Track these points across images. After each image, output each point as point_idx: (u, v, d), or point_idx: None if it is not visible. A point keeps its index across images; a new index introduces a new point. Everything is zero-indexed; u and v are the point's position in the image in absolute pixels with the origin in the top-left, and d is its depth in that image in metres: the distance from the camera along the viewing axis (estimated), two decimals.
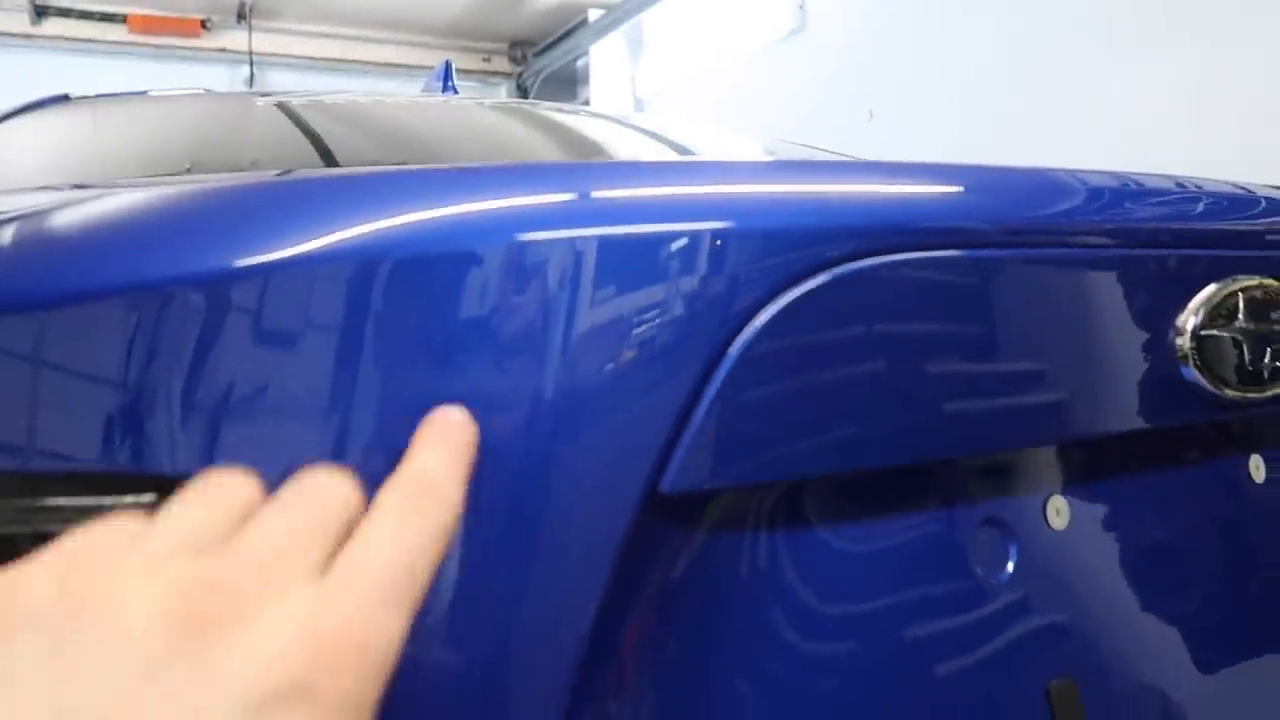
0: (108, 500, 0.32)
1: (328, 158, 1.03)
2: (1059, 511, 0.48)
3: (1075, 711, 0.47)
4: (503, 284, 0.33)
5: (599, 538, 0.33)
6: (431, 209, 0.35)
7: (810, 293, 0.37)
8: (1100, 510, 0.50)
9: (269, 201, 0.39)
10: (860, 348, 0.39)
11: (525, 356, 0.32)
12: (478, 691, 0.33)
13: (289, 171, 0.78)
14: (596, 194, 0.38)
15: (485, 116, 1.38)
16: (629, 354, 0.33)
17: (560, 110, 1.54)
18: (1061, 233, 0.45)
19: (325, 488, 0.26)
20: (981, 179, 0.44)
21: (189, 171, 0.84)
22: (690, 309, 0.34)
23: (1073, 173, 0.47)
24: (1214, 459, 0.56)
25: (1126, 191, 0.47)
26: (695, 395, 0.33)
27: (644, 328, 0.33)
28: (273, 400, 0.32)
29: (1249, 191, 0.51)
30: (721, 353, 0.34)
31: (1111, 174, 0.47)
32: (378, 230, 0.34)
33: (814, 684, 0.42)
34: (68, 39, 4.53)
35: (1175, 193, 0.48)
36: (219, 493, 0.25)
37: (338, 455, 0.31)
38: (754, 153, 1.35)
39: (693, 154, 1.26)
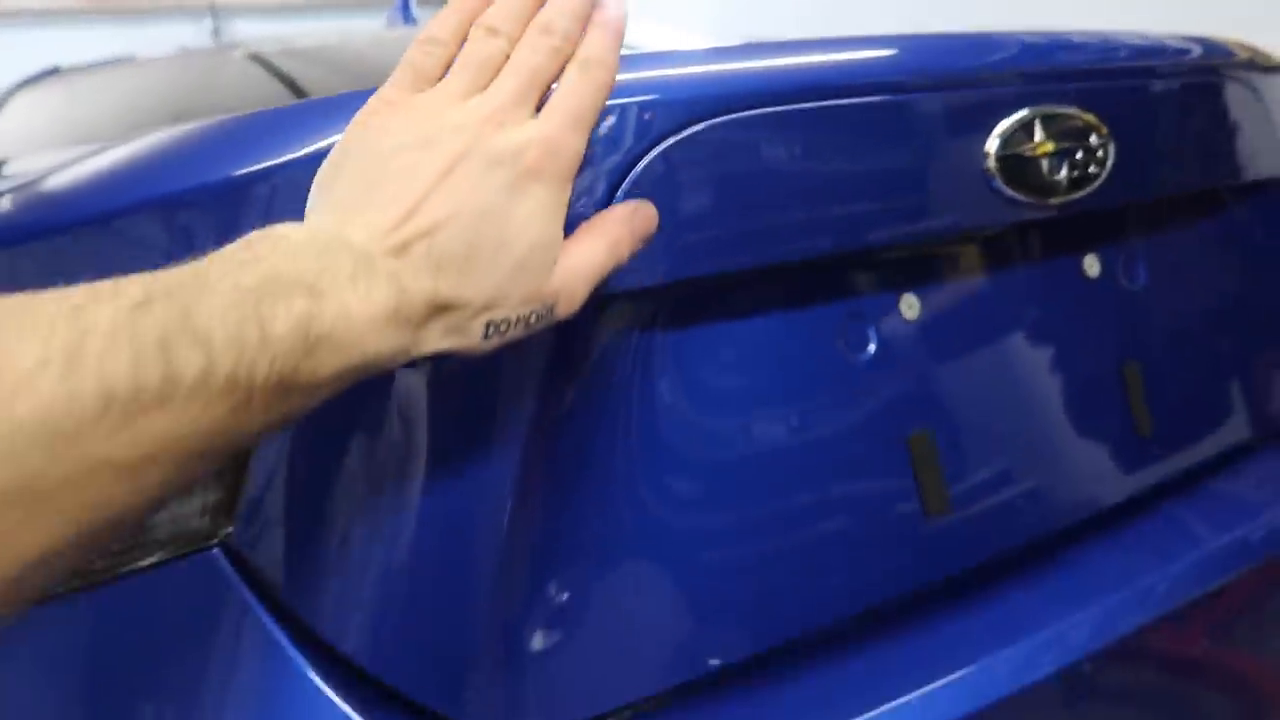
0: None
1: (303, 97, 1.14)
2: (910, 305, 0.63)
3: (932, 455, 0.62)
4: None
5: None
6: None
7: (685, 139, 0.50)
8: (947, 303, 0.64)
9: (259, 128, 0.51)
10: (736, 180, 0.52)
11: None
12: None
13: None
14: None
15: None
16: None
17: None
18: (893, 83, 0.57)
19: (539, 46, 0.43)
20: (823, 48, 0.57)
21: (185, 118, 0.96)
22: (595, 155, 0.47)
23: (898, 37, 0.59)
24: (1050, 259, 0.69)
25: (939, 46, 0.59)
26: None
27: None
28: None
29: (1050, 36, 0.64)
30: (619, 183, 0.47)
31: (926, 36, 0.60)
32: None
33: (711, 451, 0.57)
34: (28, 12, 4.53)
35: (984, 43, 0.61)
36: (483, 59, 0.43)
37: None
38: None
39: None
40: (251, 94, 1.20)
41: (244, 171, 0.46)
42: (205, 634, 0.45)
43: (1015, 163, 0.60)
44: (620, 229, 0.45)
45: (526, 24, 0.44)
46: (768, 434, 0.58)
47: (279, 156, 0.46)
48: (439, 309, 0.39)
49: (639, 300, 0.53)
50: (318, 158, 0.43)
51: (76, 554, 0.30)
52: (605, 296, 0.49)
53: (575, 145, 0.42)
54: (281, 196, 0.45)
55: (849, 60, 0.58)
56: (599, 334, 0.52)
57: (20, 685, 0.46)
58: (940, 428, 0.63)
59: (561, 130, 0.42)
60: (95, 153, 0.54)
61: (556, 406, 0.51)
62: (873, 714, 0.56)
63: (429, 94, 0.43)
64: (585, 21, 0.44)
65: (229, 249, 0.36)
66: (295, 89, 1.19)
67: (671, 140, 0.49)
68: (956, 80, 0.58)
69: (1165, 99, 0.70)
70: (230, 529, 0.45)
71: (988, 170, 0.59)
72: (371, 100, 0.43)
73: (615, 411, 0.54)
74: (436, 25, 0.44)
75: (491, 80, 0.43)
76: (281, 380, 0.33)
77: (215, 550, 0.45)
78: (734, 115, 0.51)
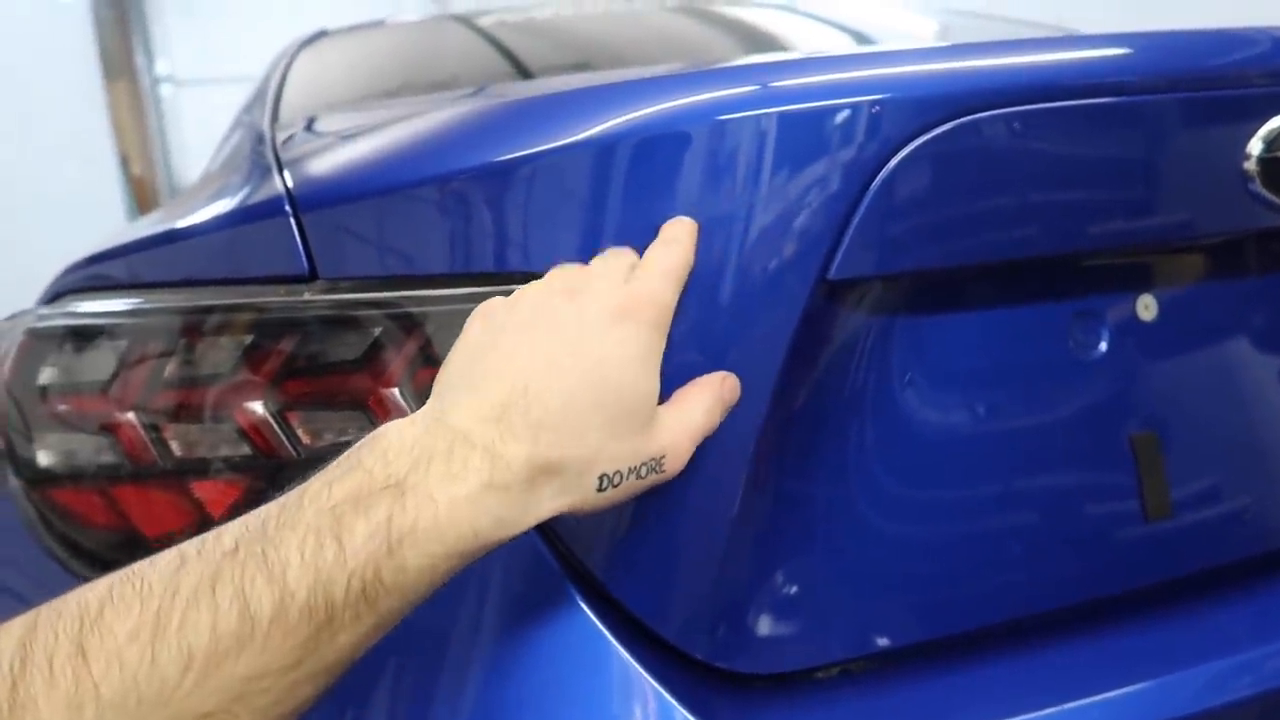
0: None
1: (524, 71, 1.23)
2: (1147, 306, 0.62)
3: (1156, 456, 0.62)
4: (721, 147, 0.51)
5: (787, 308, 0.52)
6: (661, 102, 0.53)
7: (937, 137, 0.52)
8: (1185, 306, 0.63)
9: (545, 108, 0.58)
10: (983, 175, 0.54)
11: (739, 184, 0.50)
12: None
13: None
14: (774, 83, 0.55)
15: (657, 20, 1.54)
16: (809, 180, 0.50)
17: (731, 5, 1.66)
18: (1153, 82, 0.57)
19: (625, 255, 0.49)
20: (1072, 45, 0.58)
21: (448, 86, 1.06)
22: (846, 154, 0.51)
23: (1154, 33, 0.59)
24: None
25: (1200, 44, 0.58)
26: (854, 209, 0.50)
27: (817, 164, 0.50)
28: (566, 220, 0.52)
29: None
30: (871, 179, 0.50)
31: (1186, 31, 0.58)
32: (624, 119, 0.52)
33: (945, 436, 0.59)
34: None
35: (1241, 39, 0.59)
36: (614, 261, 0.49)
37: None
38: (920, 31, 1.44)
39: (863, 37, 1.36)
40: (484, 65, 1.30)
41: (514, 155, 0.52)
42: (505, 584, 0.52)
43: (1276, 166, 0.58)
44: (712, 395, 0.48)
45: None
46: (994, 425, 0.60)
47: (543, 144, 0.52)
48: (543, 470, 0.40)
49: (880, 289, 0.56)
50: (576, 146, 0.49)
51: None
52: (846, 283, 0.53)
53: (668, 296, 0.46)
54: (542, 177, 0.51)
55: (1102, 57, 0.58)
56: (840, 321, 0.56)
57: None
58: (1166, 430, 0.62)
59: (654, 281, 0.46)
60: (391, 123, 0.63)
61: (793, 389, 0.55)
62: (1059, 710, 0.57)
63: (526, 290, 0.47)
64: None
65: (340, 460, 0.40)
66: (517, 63, 1.28)
67: (925, 137, 0.52)
68: (1219, 80, 0.57)
69: None
70: None
71: (1247, 172, 0.58)
72: (476, 312, 0.47)
73: (847, 397, 0.57)
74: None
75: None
76: (365, 588, 0.35)
77: None
78: (988, 113, 0.53)
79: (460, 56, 1.35)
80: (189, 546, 0.36)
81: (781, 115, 0.50)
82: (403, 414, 0.52)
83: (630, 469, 0.43)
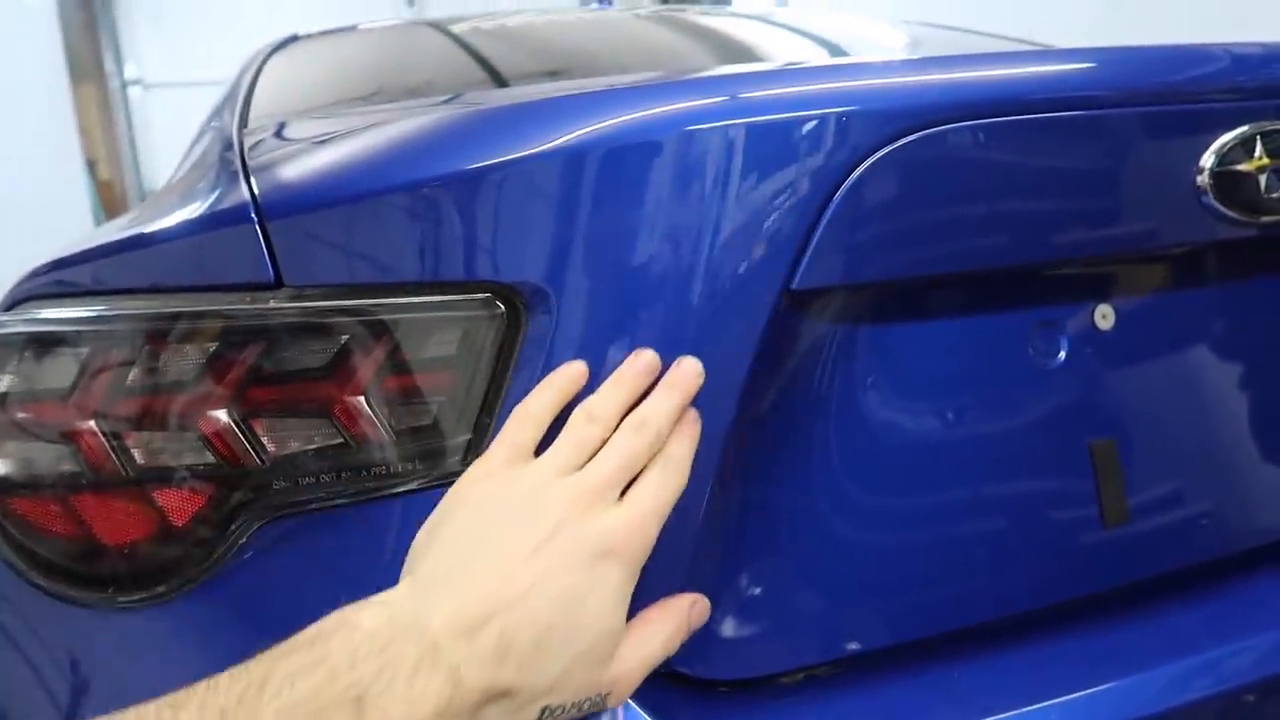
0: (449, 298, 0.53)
1: (498, 77, 1.23)
2: (1105, 316, 0.64)
3: (1113, 463, 0.63)
4: (689, 157, 0.51)
5: (751, 317, 0.52)
6: (630, 112, 0.54)
7: (897, 149, 0.53)
8: (1142, 316, 0.65)
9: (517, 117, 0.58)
10: (943, 188, 0.55)
11: (705, 194, 0.51)
12: None
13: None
14: (741, 94, 0.55)
15: (631, 28, 1.54)
16: (773, 191, 0.51)
17: (707, 14, 1.68)
18: (1110, 97, 0.58)
19: (634, 441, 0.48)
20: (1032, 60, 0.59)
21: (421, 92, 1.06)
22: (810, 165, 0.51)
23: (1113, 49, 0.60)
24: (1250, 277, 0.68)
25: (1157, 60, 0.60)
26: (818, 219, 0.51)
27: (781, 175, 0.51)
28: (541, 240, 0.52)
29: (1267, 48, 0.62)
30: (834, 191, 0.51)
31: (1144, 47, 0.60)
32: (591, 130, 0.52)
33: (909, 443, 0.60)
34: None
35: (1198, 56, 0.61)
36: (582, 442, 0.48)
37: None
38: (890, 43, 1.45)
39: (834, 48, 1.38)
40: (458, 71, 1.30)
41: (484, 164, 0.52)
42: None
43: (1229, 179, 0.60)
44: (678, 621, 0.48)
45: (622, 415, 0.48)
46: (956, 432, 0.61)
47: (512, 153, 0.52)
48: (495, 696, 0.41)
49: (842, 298, 0.57)
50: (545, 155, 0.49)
51: None
52: (809, 292, 0.54)
53: (651, 535, 0.46)
54: (512, 186, 0.51)
55: (1062, 72, 0.59)
56: (802, 329, 0.56)
57: (289, 580, 0.55)
58: (1124, 437, 0.64)
59: (643, 518, 0.46)
60: (360, 130, 0.63)
61: (758, 397, 0.56)
62: (1022, 712, 0.58)
63: (527, 469, 0.47)
64: (675, 421, 0.49)
65: (310, 634, 0.40)
66: (491, 70, 1.28)
67: (886, 150, 0.52)
68: (1175, 95, 0.58)
69: None
70: None
71: (1199, 186, 0.59)
72: (472, 469, 0.48)
73: (811, 404, 0.58)
74: (534, 402, 0.49)
75: (584, 463, 0.47)
76: None
77: None
78: (947, 127, 0.54)
79: (433, 63, 1.35)
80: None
81: (748, 126, 0.51)
82: (368, 422, 0.52)
83: (575, 703, 0.44)
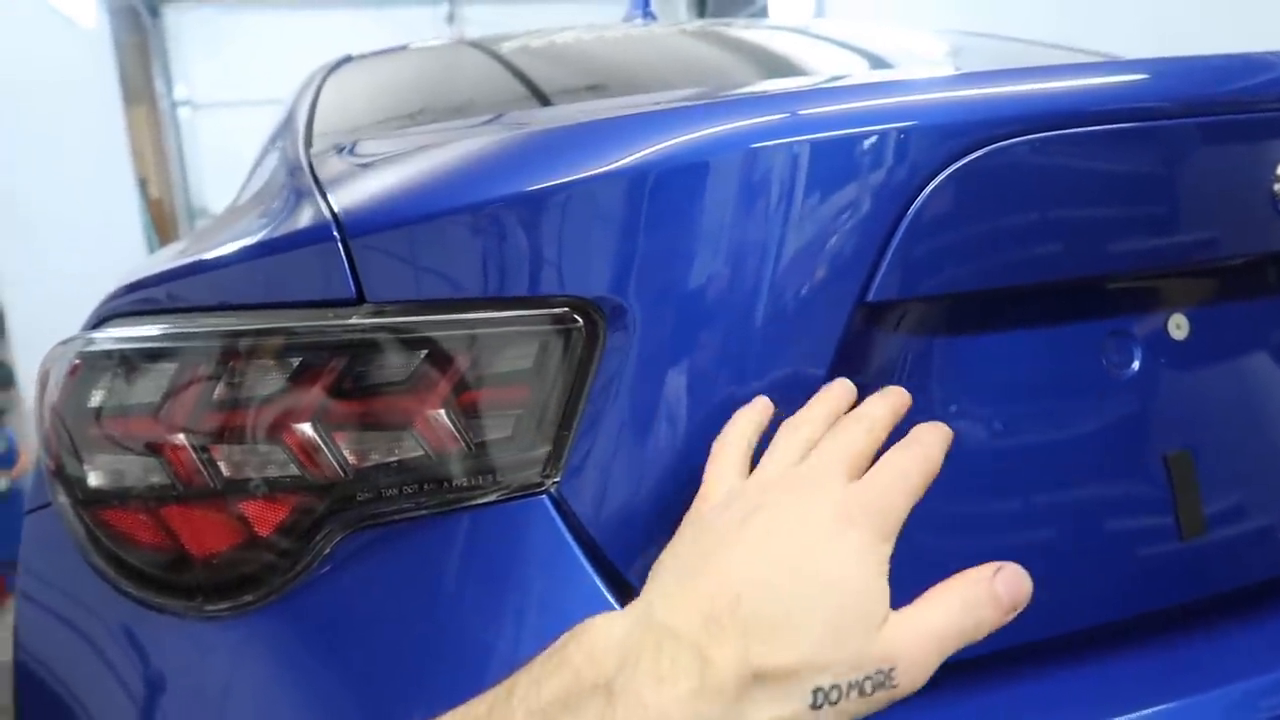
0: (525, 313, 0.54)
1: (546, 96, 1.24)
2: (1179, 326, 0.63)
3: (1190, 475, 0.63)
4: (764, 173, 0.52)
5: (828, 330, 0.52)
6: (704, 129, 0.54)
7: (972, 162, 0.53)
8: (1217, 326, 0.64)
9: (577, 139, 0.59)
10: (1017, 199, 0.55)
11: (777, 210, 0.51)
12: None
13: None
14: (819, 110, 0.56)
15: (675, 43, 1.55)
16: (849, 205, 0.51)
17: (750, 28, 1.68)
18: (1182, 108, 0.58)
19: (852, 429, 0.46)
20: (1100, 70, 0.59)
21: (478, 110, 1.07)
22: (884, 178, 0.52)
23: (1183, 58, 0.60)
24: None
25: (1228, 69, 0.59)
26: (892, 233, 0.51)
27: (856, 189, 0.51)
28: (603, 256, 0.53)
29: None
30: (909, 204, 0.51)
31: (1215, 56, 0.59)
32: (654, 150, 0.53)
33: (982, 454, 0.60)
34: None
35: (1268, 63, 0.60)
36: (796, 444, 0.47)
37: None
38: (935, 51, 1.45)
39: (877, 59, 1.38)
40: (510, 89, 1.32)
41: (562, 180, 0.53)
42: (527, 563, 0.53)
43: None
44: (973, 590, 0.42)
45: (825, 429, 0.47)
46: (1028, 443, 0.60)
47: (590, 169, 0.53)
48: (754, 678, 0.37)
49: (917, 312, 0.57)
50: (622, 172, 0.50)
51: None
52: (884, 305, 0.54)
53: (896, 504, 0.42)
54: (588, 202, 0.52)
55: (1133, 83, 0.59)
56: (878, 343, 0.56)
57: (371, 590, 0.56)
58: (1200, 449, 0.63)
59: (881, 488, 0.42)
60: (432, 147, 0.64)
61: None
62: None
63: (754, 476, 0.45)
64: (897, 417, 0.47)
65: (549, 651, 0.39)
66: (540, 88, 1.30)
67: (961, 162, 0.53)
68: (1247, 104, 0.58)
69: None
70: (558, 480, 0.53)
71: (1276, 193, 0.59)
72: (711, 495, 0.46)
73: None
74: (732, 432, 0.49)
75: (805, 457, 0.45)
76: None
77: (543, 497, 0.53)
78: (1019, 139, 0.54)
79: (486, 81, 1.37)
80: None
81: (825, 141, 0.52)
82: (448, 435, 0.53)
83: (850, 683, 0.38)
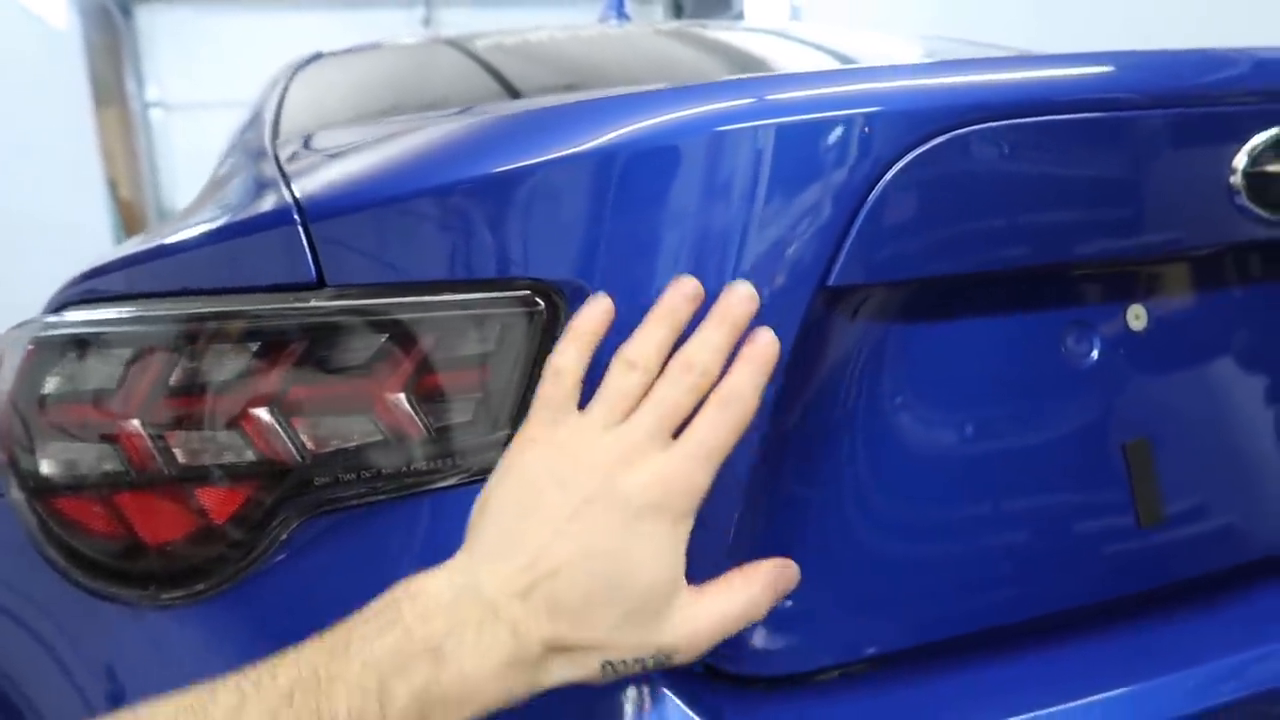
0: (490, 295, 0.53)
1: (518, 93, 1.24)
2: (1138, 316, 0.64)
3: (1148, 464, 0.63)
4: (725, 157, 0.52)
5: (789, 314, 0.53)
6: (665, 114, 0.54)
7: (933, 148, 0.53)
8: (1175, 316, 0.65)
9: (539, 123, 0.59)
10: (978, 187, 0.55)
11: (741, 194, 0.51)
12: None
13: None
14: (773, 96, 0.56)
15: (649, 43, 1.56)
16: (809, 189, 0.51)
17: (726, 30, 1.69)
18: (1142, 100, 0.59)
19: (679, 385, 0.47)
20: (1062, 62, 0.59)
21: (444, 106, 1.07)
22: (845, 164, 0.52)
23: (1143, 52, 0.60)
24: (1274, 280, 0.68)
25: (1188, 63, 0.60)
26: (853, 218, 0.51)
27: (817, 174, 0.51)
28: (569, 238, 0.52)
29: None
30: (870, 188, 0.52)
31: (1175, 50, 0.60)
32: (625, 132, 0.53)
33: (942, 443, 0.60)
34: None
35: (1228, 59, 0.61)
36: (623, 391, 0.47)
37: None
38: (907, 55, 1.46)
39: (850, 60, 1.39)
40: (480, 86, 1.31)
41: (522, 164, 0.52)
42: None
43: (1261, 180, 0.60)
44: (762, 585, 0.47)
45: (664, 357, 0.47)
46: (988, 432, 0.61)
47: (550, 153, 0.52)
48: (556, 649, 0.44)
49: (877, 298, 0.57)
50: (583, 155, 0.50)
51: None
52: (845, 290, 0.54)
53: (702, 481, 0.46)
54: (549, 185, 0.52)
55: (1093, 75, 0.59)
56: (838, 328, 0.57)
57: (329, 576, 0.55)
58: (1158, 438, 0.64)
59: (690, 465, 0.45)
60: (396, 135, 0.64)
61: (793, 397, 0.56)
62: (1053, 710, 0.57)
63: (570, 429, 0.47)
64: (727, 356, 0.47)
65: (381, 603, 0.43)
66: (511, 85, 1.30)
67: (922, 149, 0.53)
68: (1207, 97, 0.58)
69: None
70: None
71: (1233, 186, 0.59)
72: (517, 439, 0.48)
73: (845, 406, 0.58)
74: (560, 358, 0.48)
75: (630, 411, 0.46)
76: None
77: None
78: (980, 127, 0.54)
79: (455, 77, 1.37)
80: (245, 683, 0.40)
81: (785, 126, 0.52)
82: (408, 419, 0.53)
83: (635, 659, 0.45)
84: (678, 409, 0.46)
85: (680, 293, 0.48)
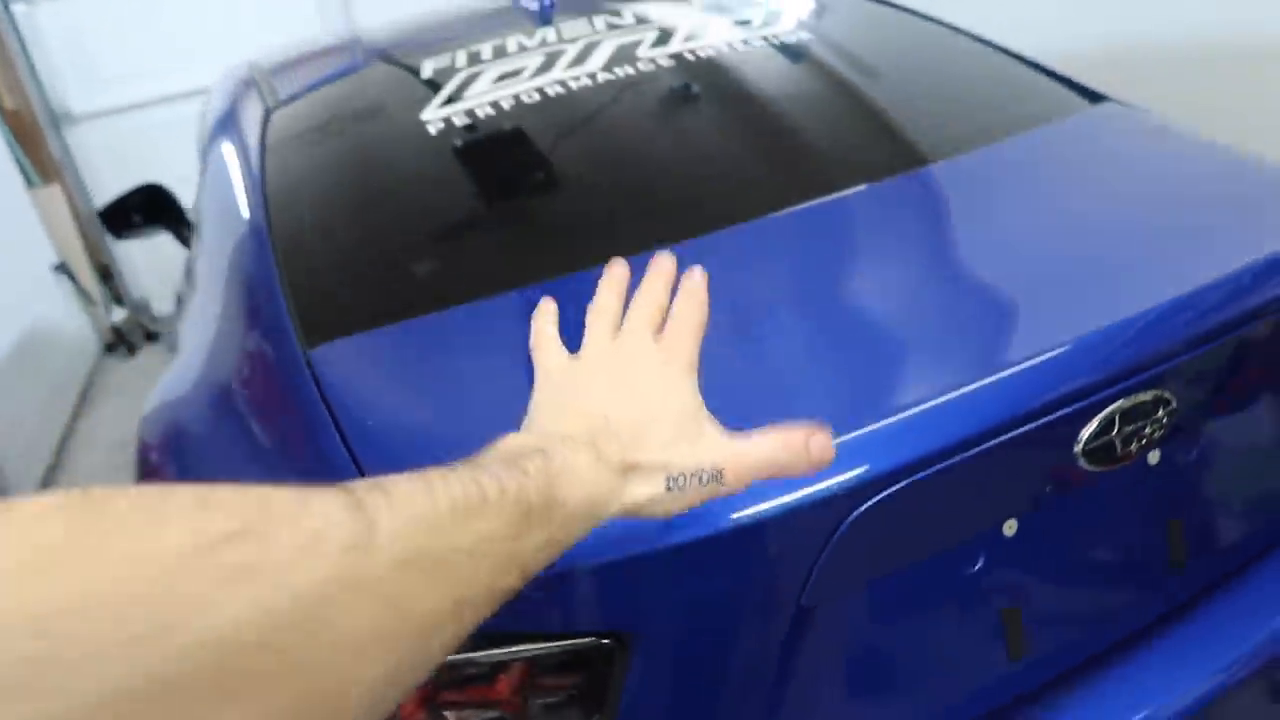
0: None
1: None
2: (1010, 527, 0.90)
3: (1018, 625, 0.92)
4: None
5: (780, 622, 0.77)
6: None
7: (865, 511, 0.76)
8: (1038, 525, 0.91)
9: None
10: (900, 526, 0.79)
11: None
12: None
13: None
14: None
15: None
16: (781, 541, 0.75)
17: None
18: (998, 426, 0.81)
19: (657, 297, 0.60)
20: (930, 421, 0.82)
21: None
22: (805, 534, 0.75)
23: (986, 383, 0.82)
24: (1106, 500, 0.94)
25: (1023, 380, 0.82)
26: (819, 556, 0.75)
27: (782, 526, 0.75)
28: None
29: (1123, 323, 0.85)
30: (828, 540, 0.75)
31: (1006, 375, 0.83)
32: None
33: (896, 646, 0.87)
34: None
35: (1059, 362, 0.83)
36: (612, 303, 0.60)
37: None
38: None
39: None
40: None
41: None
42: None
43: (1100, 450, 0.85)
44: (788, 437, 0.53)
45: (622, 296, 0.61)
46: (922, 628, 0.88)
47: None
48: (629, 466, 0.51)
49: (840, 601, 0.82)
50: None
51: (456, 622, 0.39)
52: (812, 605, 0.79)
53: (690, 345, 0.57)
54: None
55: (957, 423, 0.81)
56: (813, 619, 0.81)
57: None
58: (1025, 605, 0.92)
59: (678, 336, 0.57)
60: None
61: (789, 656, 0.81)
62: None
63: (582, 353, 0.58)
64: (672, 276, 0.61)
65: (479, 456, 0.47)
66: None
67: (856, 512, 0.76)
68: (1045, 409, 0.81)
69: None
70: None
71: (1075, 454, 0.84)
72: (548, 365, 0.58)
73: (831, 649, 0.84)
74: (543, 322, 0.61)
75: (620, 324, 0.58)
76: (545, 501, 0.45)
77: None
78: (891, 488, 0.77)
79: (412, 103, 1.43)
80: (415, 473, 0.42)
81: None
82: None
83: (692, 473, 0.52)
84: (653, 311, 0.59)
85: (619, 272, 0.63)
